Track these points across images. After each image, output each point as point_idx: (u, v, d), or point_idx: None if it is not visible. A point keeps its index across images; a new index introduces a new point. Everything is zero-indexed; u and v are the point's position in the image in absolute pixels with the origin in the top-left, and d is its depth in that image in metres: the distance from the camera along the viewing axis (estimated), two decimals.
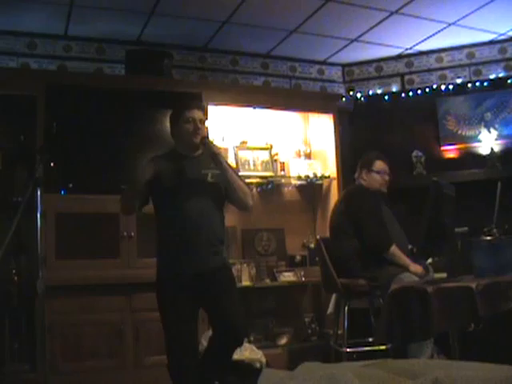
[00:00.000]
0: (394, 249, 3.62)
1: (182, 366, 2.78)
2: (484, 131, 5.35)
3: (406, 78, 5.63)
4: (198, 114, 2.98)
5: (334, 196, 4.89)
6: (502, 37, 5.26)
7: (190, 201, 2.87)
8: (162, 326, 2.84)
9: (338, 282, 3.72)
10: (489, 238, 3.03)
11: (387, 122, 5.58)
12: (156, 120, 4.28)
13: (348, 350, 3.72)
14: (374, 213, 3.75)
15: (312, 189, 5.06)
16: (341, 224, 3.86)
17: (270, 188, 4.94)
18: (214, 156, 2.93)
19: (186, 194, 2.87)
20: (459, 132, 5.45)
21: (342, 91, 5.68)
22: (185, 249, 2.85)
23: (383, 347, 3.50)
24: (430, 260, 4.00)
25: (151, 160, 3.00)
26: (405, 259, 3.61)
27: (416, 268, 3.57)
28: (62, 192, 3.90)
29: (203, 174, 2.94)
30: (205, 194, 2.91)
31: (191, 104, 3.05)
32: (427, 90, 5.54)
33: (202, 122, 2.99)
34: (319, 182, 4.98)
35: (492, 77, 5.38)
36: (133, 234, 3.94)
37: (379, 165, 3.94)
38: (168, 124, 3.09)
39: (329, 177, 4.93)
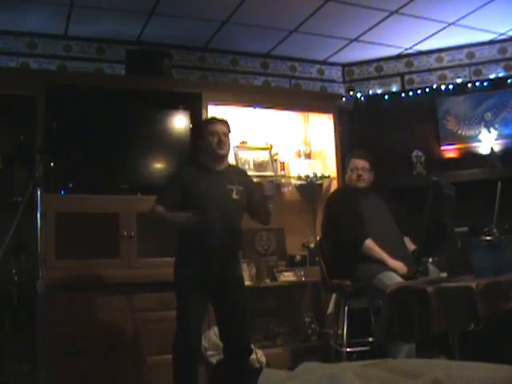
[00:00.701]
0: (368, 242, 3.53)
1: (188, 349, 3.01)
2: (484, 131, 5.35)
3: (406, 77, 5.63)
4: (221, 127, 3.16)
5: None
6: (502, 37, 5.26)
7: (216, 213, 3.05)
8: (176, 310, 3.09)
9: (328, 282, 3.77)
10: (489, 238, 3.03)
11: (387, 122, 5.58)
12: (156, 120, 4.28)
13: (348, 349, 3.72)
14: (346, 210, 3.72)
15: (312, 189, 5.06)
16: (323, 225, 3.94)
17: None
18: (268, 198, 3.20)
19: (212, 207, 3.04)
20: (459, 132, 5.45)
21: (342, 91, 5.68)
22: (209, 256, 3.05)
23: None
24: (429, 260, 4.00)
25: (179, 172, 3.20)
26: (382, 253, 3.51)
27: (395, 264, 3.47)
28: (62, 192, 3.90)
29: (228, 189, 3.12)
30: (229, 208, 3.11)
31: (215, 118, 3.25)
32: (427, 89, 5.54)
33: (226, 135, 3.17)
34: (319, 181, 4.98)
35: (492, 77, 5.38)
36: (133, 233, 3.94)
37: (352, 162, 3.97)
38: (187, 133, 3.29)
39: (329, 177, 4.93)
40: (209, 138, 3.12)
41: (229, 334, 3.15)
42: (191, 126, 4.31)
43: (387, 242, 3.61)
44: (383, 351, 3.25)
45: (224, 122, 3.22)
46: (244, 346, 3.14)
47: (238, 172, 3.32)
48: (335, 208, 3.82)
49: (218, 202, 3.08)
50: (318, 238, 4.13)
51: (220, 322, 3.19)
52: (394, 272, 3.42)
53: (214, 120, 3.23)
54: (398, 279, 3.28)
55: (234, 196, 3.13)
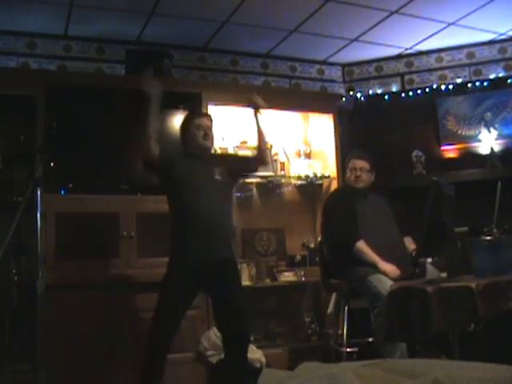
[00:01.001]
0: (360, 245, 3.53)
1: (164, 339, 3.05)
2: (484, 131, 5.35)
3: (406, 77, 5.63)
4: (206, 121, 3.34)
5: None
6: (502, 37, 5.26)
7: (203, 195, 3.15)
8: (158, 298, 3.08)
9: (326, 282, 3.79)
10: (489, 238, 3.02)
11: (387, 121, 5.58)
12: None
13: (348, 349, 3.72)
14: (340, 211, 3.73)
15: (312, 189, 5.06)
16: (321, 226, 3.96)
17: (270, 188, 4.94)
18: (258, 109, 3.37)
19: (199, 189, 3.16)
20: (459, 132, 5.45)
21: (342, 91, 5.68)
22: (200, 238, 3.11)
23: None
24: (429, 260, 4.00)
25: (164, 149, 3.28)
26: (373, 256, 3.50)
27: (385, 267, 3.46)
28: (62, 192, 3.90)
29: (211, 171, 3.25)
30: (215, 190, 3.20)
31: (200, 112, 3.41)
32: (427, 89, 5.54)
33: (211, 129, 3.34)
34: (319, 181, 4.98)
35: (492, 77, 5.38)
36: (133, 233, 3.94)
37: (351, 163, 3.98)
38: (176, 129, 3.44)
39: (329, 177, 4.93)
40: (194, 131, 3.27)
41: (226, 321, 3.15)
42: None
43: (383, 243, 3.60)
44: (376, 351, 3.26)
45: (208, 116, 3.42)
46: (243, 332, 3.14)
47: (219, 156, 3.51)
48: (330, 209, 3.84)
49: (204, 184, 3.18)
50: (318, 239, 4.12)
51: (216, 309, 3.19)
52: (385, 275, 3.42)
53: (199, 114, 3.41)
54: (389, 282, 3.24)
55: (217, 177, 3.23)
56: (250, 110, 3.44)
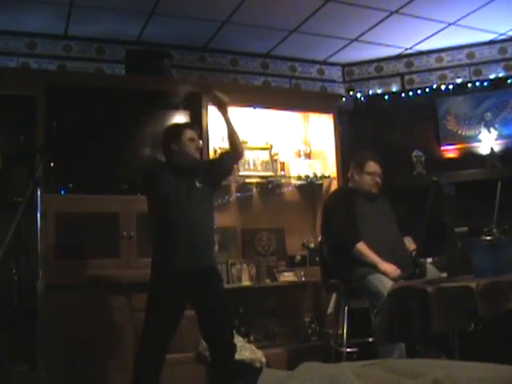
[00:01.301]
0: (360, 245, 3.51)
1: (151, 360, 2.99)
2: (484, 131, 5.35)
3: (406, 77, 5.63)
4: (195, 133, 3.29)
5: None
6: (502, 37, 5.26)
7: (186, 206, 3.11)
8: (144, 317, 3.03)
9: (326, 282, 3.78)
10: (489, 237, 3.02)
11: (387, 121, 5.58)
12: (156, 120, 4.28)
13: (348, 349, 3.72)
14: (340, 212, 3.70)
15: (312, 189, 5.06)
16: (321, 226, 3.92)
17: (270, 188, 4.94)
18: (222, 106, 3.23)
19: (182, 200, 3.12)
20: (459, 132, 5.45)
21: (342, 91, 5.68)
22: (184, 249, 3.06)
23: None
24: (429, 260, 4.00)
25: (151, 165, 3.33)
26: (373, 257, 3.48)
27: (385, 267, 3.44)
28: (62, 192, 3.90)
29: (192, 181, 3.19)
30: (197, 199, 3.16)
31: (191, 124, 3.36)
32: (427, 89, 5.54)
33: (198, 140, 3.31)
34: (319, 181, 4.98)
35: (492, 77, 5.38)
36: (133, 234, 3.94)
37: (371, 166, 3.84)
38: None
39: (329, 177, 4.93)
40: (188, 143, 3.21)
41: (211, 333, 3.13)
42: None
43: (383, 244, 3.59)
44: (375, 352, 3.26)
45: (195, 128, 3.37)
46: (228, 344, 3.12)
47: (198, 163, 3.39)
48: (330, 209, 3.81)
49: (188, 194, 3.13)
50: (318, 239, 4.12)
51: (200, 321, 3.14)
52: (385, 275, 3.41)
53: (189, 125, 3.34)
54: (389, 282, 3.23)
55: (198, 184, 3.19)
56: (214, 107, 3.33)
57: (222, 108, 3.24)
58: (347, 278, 3.60)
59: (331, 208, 3.81)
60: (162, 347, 3.02)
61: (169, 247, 3.09)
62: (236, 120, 4.75)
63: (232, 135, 3.28)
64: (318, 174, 4.91)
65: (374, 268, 3.46)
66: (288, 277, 4.73)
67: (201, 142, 3.34)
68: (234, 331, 4.02)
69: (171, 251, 3.08)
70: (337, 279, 3.77)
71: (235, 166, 3.55)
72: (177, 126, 3.44)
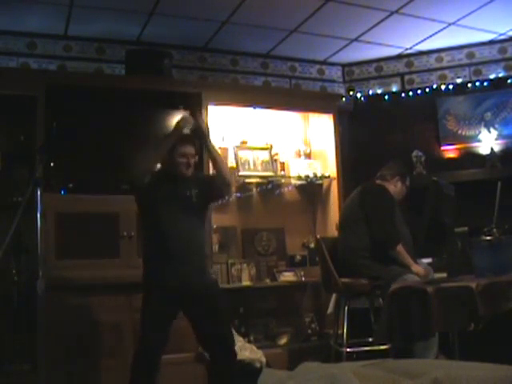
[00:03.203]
0: (400, 247, 3.64)
1: (149, 364, 3.01)
2: (484, 131, 5.35)
3: (406, 77, 5.63)
4: (191, 149, 3.18)
5: (334, 196, 4.89)
6: (502, 37, 5.26)
7: (180, 218, 3.09)
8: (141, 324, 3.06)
9: (339, 281, 3.73)
10: (489, 237, 3.03)
11: (387, 121, 5.58)
12: (156, 120, 4.28)
13: (348, 349, 3.72)
14: (389, 211, 3.78)
15: (312, 189, 5.05)
16: (355, 217, 3.86)
17: (270, 188, 4.94)
18: (201, 130, 3.21)
19: (177, 212, 3.09)
20: (459, 132, 5.45)
21: (342, 91, 5.68)
22: (176, 263, 3.05)
23: (383, 347, 3.50)
24: (429, 260, 4.01)
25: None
26: (409, 259, 3.63)
27: (418, 269, 3.59)
28: (62, 192, 3.90)
29: (188, 195, 3.15)
30: (191, 213, 3.13)
31: (187, 139, 3.23)
32: (427, 89, 5.54)
33: (194, 156, 3.21)
34: (319, 181, 4.98)
35: (492, 77, 5.38)
36: (133, 233, 3.94)
37: (408, 181, 4.09)
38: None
39: (329, 177, 4.93)
40: (178, 159, 3.13)
41: (211, 345, 3.14)
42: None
43: (407, 248, 3.72)
44: (406, 352, 3.27)
45: (193, 144, 3.22)
46: (229, 354, 3.12)
47: (196, 177, 3.29)
48: (374, 204, 3.81)
49: (182, 207, 3.10)
50: (318, 238, 4.11)
51: (199, 333, 3.14)
52: (417, 276, 3.53)
53: (185, 141, 3.20)
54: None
55: (194, 199, 3.15)
56: (199, 135, 3.25)
57: (206, 136, 3.23)
58: (375, 275, 3.63)
59: (378, 204, 3.82)
60: (157, 357, 3.03)
61: (162, 262, 3.05)
62: (236, 120, 4.81)
63: (219, 166, 3.24)
64: (318, 174, 4.91)
65: (407, 269, 3.58)
66: (288, 277, 4.73)
67: (197, 157, 3.24)
68: (234, 331, 4.04)
69: (164, 266, 3.04)
70: (354, 277, 3.73)
71: (228, 191, 3.42)
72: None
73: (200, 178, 3.34)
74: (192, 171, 3.21)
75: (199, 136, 3.23)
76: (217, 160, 3.26)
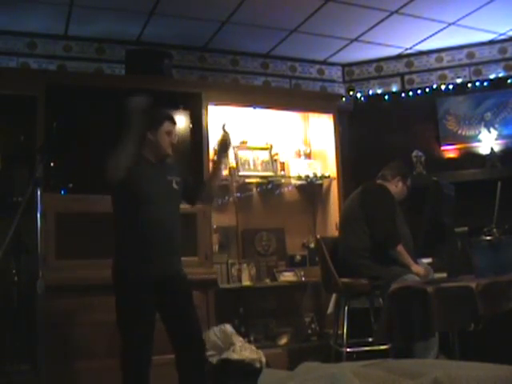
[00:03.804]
0: (400, 247, 3.65)
1: (143, 369, 2.82)
2: (484, 131, 5.36)
3: (406, 77, 5.63)
4: (175, 128, 3.09)
5: (334, 196, 4.89)
6: (502, 37, 5.26)
7: (160, 206, 2.93)
8: (122, 326, 2.85)
9: (339, 281, 3.72)
10: (489, 237, 3.03)
11: (387, 121, 5.58)
12: None
13: (348, 349, 3.72)
14: (389, 211, 3.78)
15: (312, 189, 5.06)
16: (356, 217, 3.86)
17: (270, 188, 4.94)
18: (226, 148, 3.10)
19: (156, 200, 2.93)
20: (459, 132, 5.45)
21: (342, 91, 5.69)
22: (154, 251, 2.89)
23: (383, 347, 3.50)
24: (429, 260, 4.01)
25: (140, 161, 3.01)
26: (409, 259, 3.64)
27: (418, 269, 3.59)
28: (62, 192, 3.90)
29: (169, 180, 3.02)
30: (171, 201, 3.01)
31: (172, 116, 3.12)
32: (427, 89, 5.54)
33: (175, 136, 3.10)
34: (319, 181, 4.98)
35: (492, 77, 5.38)
36: None
37: (409, 182, 4.10)
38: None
39: (329, 177, 4.93)
40: (164, 136, 3.00)
41: (184, 335, 2.96)
42: (191, 125, 4.32)
43: (407, 248, 3.72)
44: (406, 352, 3.27)
45: (175, 123, 3.14)
46: (201, 343, 2.99)
47: (174, 164, 3.20)
48: (375, 203, 3.81)
49: (161, 195, 2.96)
50: (318, 237, 4.10)
51: (170, 323, 2.97)
52: (417, 276, 3.54)
53: (172, 119, 3.11)
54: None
55: (174, 186, 3.03)
56: (220, 148, 3.14)
57: (227, 150, 3.17)
58: (375, 275, 3.63)
59: (379, 204, 3.82)
60: (149, 352, 2.86)
61: (143, 249, 2.88)
62: (236, 120, 4.81)
63: (214, 181, 3.17)
64: (318, 174, 4.91)
65: (407, 269, 3.59)
66: (288, 277, 4.73)
67: (176, 138, 3.12)
68: (234, 331, 4.04)
69: (146, 253, 2.88)
70: (354, 277, 3.73)
71: (205, 203, 3.44)
72: (160, 114, 3.17)
73: (182, 170, 3.20)
74: (172, 152, 3.06)
75: (221, 148, 3.12)
76: (217, 175, 3.20)
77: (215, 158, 3.26)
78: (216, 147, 3.29)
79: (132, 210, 2.92)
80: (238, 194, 4.77)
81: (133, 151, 2.92)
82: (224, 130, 3.14)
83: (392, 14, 4.64)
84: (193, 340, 2.94)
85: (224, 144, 3.12)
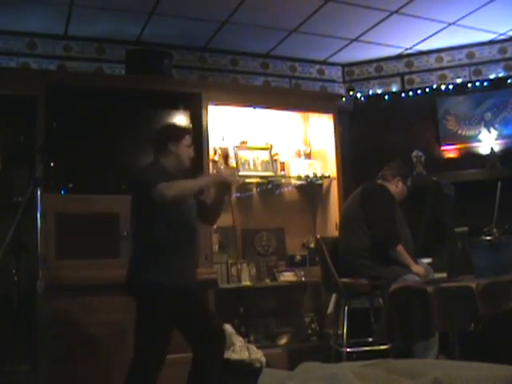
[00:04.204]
0: (400, 247, 3.64)
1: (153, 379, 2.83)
2: (484, 131, 5.35)
3: (406, 77, 5.63)
4: (192, 141, 3.12)
5: (334, 196, 4.89)
6: (502, 37, 5.26)
7: (188, 217, 3.01)
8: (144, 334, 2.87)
9: (338, 281, 3.73)
10: (489, 237, 3.03)
11: (387, 122, 5.58)
12: (156, 120, 4.27)
13: (348, 349, 3.72)
14: (389, 211, 3.78)
15: (312, 189, 5.05)
16: (356, 217, 3.86)
17: (270, 188, 4.94)
18: (228, 190, 3.07)
19: (188, 213, 3.00)
20: (459, 132, 5.45)
21: (342, 91, 5.68)
22: (185, 263, 2.95)
23: (383, 347, 3.51)
24: (429, 260, 4.01)
25: (163, 173, 2.99)
26: (409, 259, 3.63)
27: (418, 269, 3.59)
28: (62, 192, 3.90)
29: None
30: (193, 212, 3.06)
31: (190, 130, 3.23)
32: (427, 89, 5.54)
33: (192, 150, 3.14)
34: (319, 181, 4.98)
35: (492, 77, 5.38)
36: None
37: (410, 182, 4.10)
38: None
39: (329, 177, 4.93)
40: (186, 149, 3.05)
41: (207, 329, 3.03)
42: (191, 125, 4.31)
43: (407, 248, 3.72)
44: (406, 352, 3.27)
45: (192, 136, 3.17)
46: (221, 332, 3.09)
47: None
48: (374, 204, 3.82)
49: (187, 206, 3.02)
50: (318, 237, 4.11)
51: (192, 326, 3.04)
52: (417, 276, 3.54)
53: (190, 132, 3.17)
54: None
55: (191, 199, 3.07)
56: (220, 191, 3.11)
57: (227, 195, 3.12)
58: (375, 275, 3.63)
59: (379, 204, 3.82)
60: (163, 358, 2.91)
61: (177, 260, 2.90)
62: (236, 120, 4.81)
63: (219, 209, 3.17)
64: (318, 174, 4.91)
65: (407, 269, 3.59)
66: (288, 277, 4.73)
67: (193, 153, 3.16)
68: (234, 331, 4.04)
69: (179, 265, 2.91)
70: (354, 277, 3.73)
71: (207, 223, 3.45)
72: (178, 127, 3.30)
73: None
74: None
75: (222, 190, 3.08)
76: (221, 209, 3.19)
77: (215, 195, 3.16)
78: (215, 185, 3.18)
79: (163, 221, 2.92)
80: (238, 194, 4.77)
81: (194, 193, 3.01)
82: (226, 165, 3.16)
83: (392, 14, 4.64)
84: (217, 332, 3.04)
85: (225, 185, 3.06)
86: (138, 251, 2.98)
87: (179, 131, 3.13)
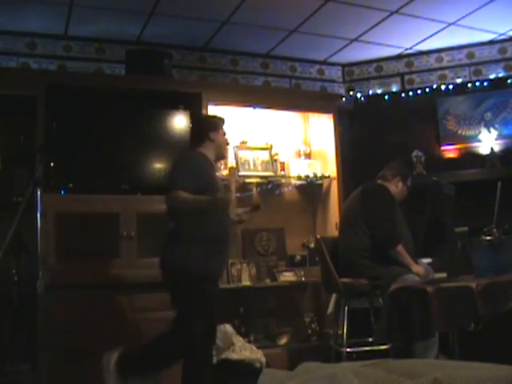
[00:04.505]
0: (400, 247, 3.64)
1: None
2: (484, 131, 5.36)
3: (406, 77, 5.63)
4: None
5: (334, 196, 4.89)
6: (502, 37, 5.26)
7: (227, 208, 3.18)
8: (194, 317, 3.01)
9: (339, 281, 3.73)
10: (489, 237, 3.03)
11: (387, 122, 5.58)
12: (156, 120, 4.28)
13: (348, 349, 3.72)
14: (389, 211, 3.78)
15: (312, 189, 5.05)
16: (356, 217, 3.86)
17: (270, 188, 4.94)
18: (257, 207, 3.45)
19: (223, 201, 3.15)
20: (459, 132, 5.45)
21: (342, 91, 5.69)
22: (225, 251, 3.21)
23: (383, 347, 3.51)
24: (429, 260, 4.01)
25: (200, 162, 3.19)
26: (409, 259, 3.63)
27: (418, 269, 3.59)
28: (62, 192, 3.90)
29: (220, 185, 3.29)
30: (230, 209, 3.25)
31: (224, 119, 3.37)
32: (427, 89, 5.54)
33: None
34: (319, 181, 4.98)
35: (492, 77, 5.38)
36: (133, 233, 3.94)
37: (410, 182, 4.09)
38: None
39: (329, 177, 4.92)
40: (223, 137, 3.29)
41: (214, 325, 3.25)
42: (191, 125, 4.31)
43: (407, 248, 3.71)
44: (406, 352, 3.27)
45: None
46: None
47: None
48: (374, 204, 3.82)
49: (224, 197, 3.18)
50: (318, 237, 4.11)
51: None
52: (417, 276, 3.53)
53: (225, 121, 3.36)
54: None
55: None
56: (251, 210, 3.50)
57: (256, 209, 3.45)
58: (375, 275, 3.63)
59: (379, 204, 3.82)
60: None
61: (220, 249, 3.13)
62: (236, 120, 4.81)
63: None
64: (318, 174, 4.91)
65: (407, 269, 3.58)
66: (288, 277, 4.73)
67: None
68: (234, 331, 4.04)
69: (222, 252, 3.16)
70: (354, 277, 3.73)
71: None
72: (215, 117, 3.45)
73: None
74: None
75: (253, 210, 3.48)
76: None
77: (244, 212, 3.47)
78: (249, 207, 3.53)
79: (210, 211, 3.07)
80: (238, 194, 4.77)
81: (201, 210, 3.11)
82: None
83: (392, 14, 4.64)
84: (215, 333, 3.26)
85: (257, 208, 3.48)
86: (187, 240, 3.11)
87: (217, 120, 3.34)
